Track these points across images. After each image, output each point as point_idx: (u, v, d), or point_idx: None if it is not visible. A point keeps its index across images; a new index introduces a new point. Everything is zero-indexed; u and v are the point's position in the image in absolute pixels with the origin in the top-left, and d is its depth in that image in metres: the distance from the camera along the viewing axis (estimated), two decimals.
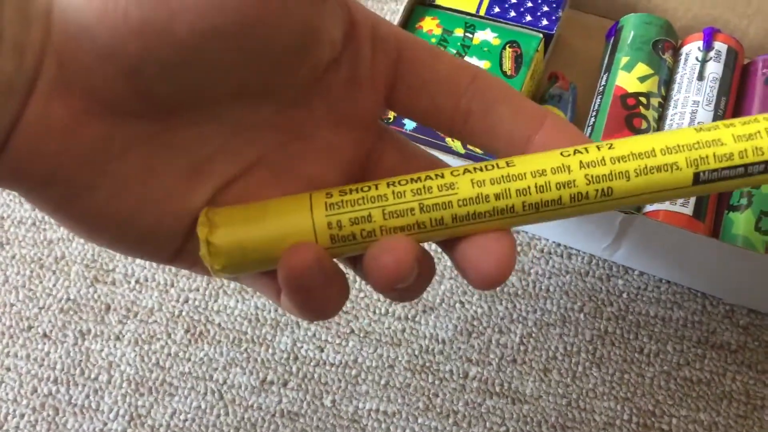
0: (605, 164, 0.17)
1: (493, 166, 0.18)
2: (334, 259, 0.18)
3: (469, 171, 0.18)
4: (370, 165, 0.20)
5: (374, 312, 0.34)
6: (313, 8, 0.16)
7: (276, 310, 0.34)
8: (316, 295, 0.17)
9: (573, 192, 0.17)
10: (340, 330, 0.34)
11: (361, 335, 0.34)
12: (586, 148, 0.17)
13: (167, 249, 0.18)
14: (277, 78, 0.17)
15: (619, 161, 0.17)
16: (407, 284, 0.17)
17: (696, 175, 0.17)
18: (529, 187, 0.17)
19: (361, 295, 0.35)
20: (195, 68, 0.15)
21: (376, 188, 0.18)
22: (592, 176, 0.17)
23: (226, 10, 0.14)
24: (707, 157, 0.17)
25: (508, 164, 0.17)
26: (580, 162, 0.17)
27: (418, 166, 0.19)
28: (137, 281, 0.36)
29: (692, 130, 0.17)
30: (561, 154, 0.17)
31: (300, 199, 0.18)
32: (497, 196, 0.17)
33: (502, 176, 0.17)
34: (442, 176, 0.18)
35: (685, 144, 0.17)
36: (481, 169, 0.17)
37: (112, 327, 0.35)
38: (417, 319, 0.34)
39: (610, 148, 0.17)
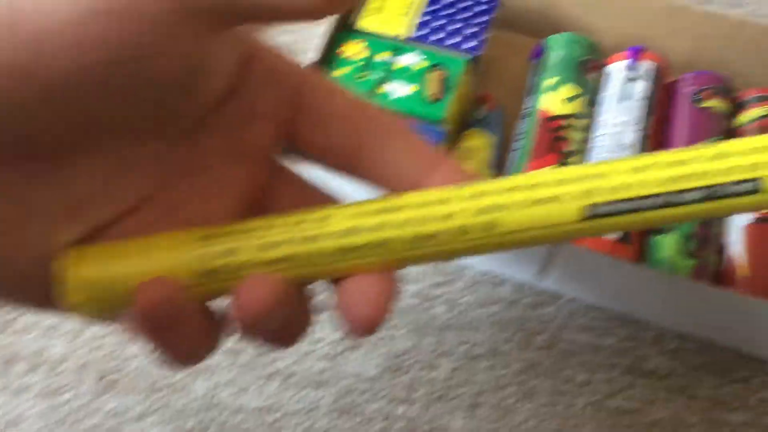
0: (489, 196, 0.16)
1: (373, 201, 0.17)
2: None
3: (349, 205, 0.17)
4: (266, 203, 0.19)
5: (297, 352, 0.33)
6: (196, 43, 0.15)
7: None
8: (170, 336, 0.16)
9: (454, 225, 0.16)
10: (262, 372, 0.32)
11: (283, 377, 0.32)
12: (471, 184, 0.17)
13: (44, 293, 0.17)
14: (161, 114, 0.16)
15: (503, 193, 0.16)
16: (272, 326, 0.16)
17: (584, 210, 0.16)
18: (408, 220, 0.16)
19: None
20: (69, 109, 0.14)
21: (252, 222, 0.17)
22: (474, 208, 0.16)
23: (96, 49, 0.14)
24: (595, 189, 0.16)
25: (389, 199, 0.17)
26: (463, 195, 0.16)
27: (315, 204, 0.18)
28: (44, 328, 0.34)
29: (582, 164, 0.17)
30: (446, 189, 0.17)
31: (170, 235, 0.17)
32: (373, 229, 0.16)
33: (381, 208, 0.17)
34: (321, 210, 0.17)
35: (573, 177, 0.16)
36: (361, 204, 0.17)
37: (16, 378, 0.33)
38: (341, 357, 0.33)
39: (496, 182, 0.17)
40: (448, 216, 0.16)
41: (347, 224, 0.17)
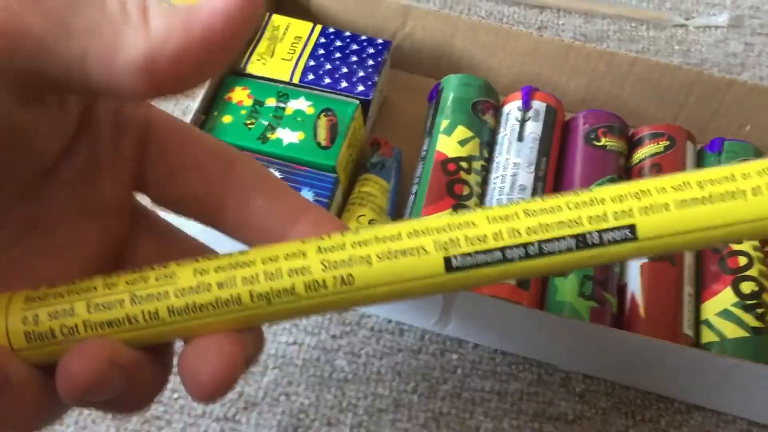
0: (345, 249, 0.15)
1: (224, 256, 0.16)
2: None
3: (196, 261, 0.16)
4: (123, 259, 0.18)
5: (189, 414, 0.31)
6: (13, 105, 0.14)
7: (76, 423, 0.31)
8: None
9: (308, 280, 0.15)
10: None
11: None
12: (329, 235, 0.16)
13: None
14: None
15: (360, 245, 0.15)
16: (104, 396, 0.15)
17: (447, 260, 0.15)
18: (257, 274, 0.15)
19: (175, 395, 0.31)
20: None
21: (90, 281, 0.16)
22: (329, 262, 0.15)
23: None
24: (458, 239, 0.15)
25: (241, 253, 0.16)
26: (318, 247, 0.16)
27: (181, 256, 0.17)
28: None
29: (447, 214, 0.16)
30: (301, 242, 0.16)
31: None
32: (220, 285, 0.15)
33: (229, 264, 0.16)
34: (165, 266, 0.16)
35: (435, 227, 0.15)
36: (209, 259, 0.16)
37: None
38: (237, 417, 0.31)
39: (355, 233, 0.16)
40: (303, 269, 0.16)
41: (194, 281, 0.16)
